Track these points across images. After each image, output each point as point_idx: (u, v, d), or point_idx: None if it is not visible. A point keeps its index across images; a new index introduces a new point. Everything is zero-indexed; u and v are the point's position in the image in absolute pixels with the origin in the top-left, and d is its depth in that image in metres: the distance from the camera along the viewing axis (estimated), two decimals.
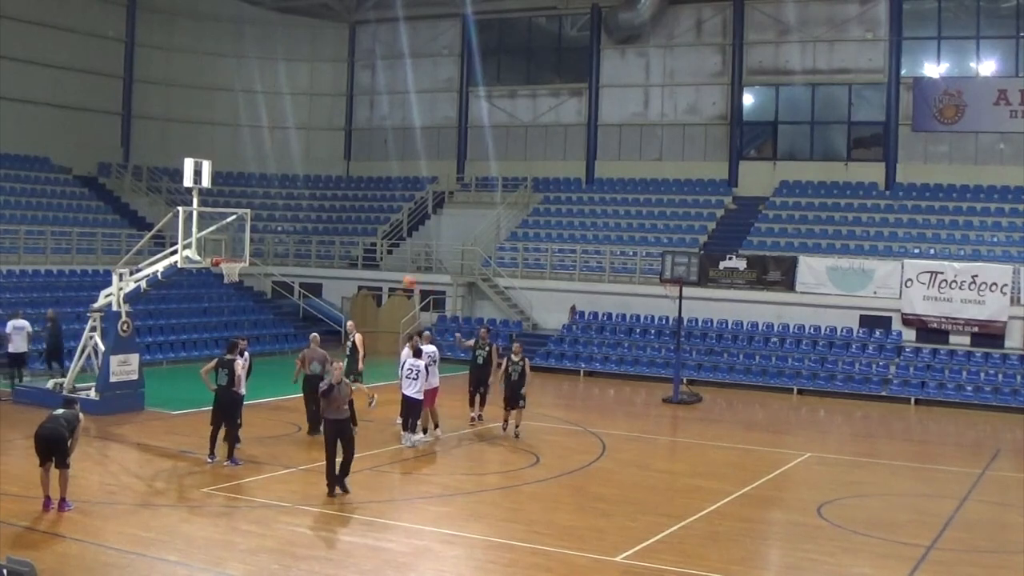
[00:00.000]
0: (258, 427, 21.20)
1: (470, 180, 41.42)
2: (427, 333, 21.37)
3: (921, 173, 35.17)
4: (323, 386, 15.66)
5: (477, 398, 22.23)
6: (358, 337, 21.82)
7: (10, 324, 24.37)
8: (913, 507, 16.73)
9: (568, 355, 32.51)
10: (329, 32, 44.41)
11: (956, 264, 30.00)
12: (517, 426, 20.75)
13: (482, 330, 23.26)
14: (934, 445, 23.96)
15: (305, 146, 44.17)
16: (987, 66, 35.01)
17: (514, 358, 20.73)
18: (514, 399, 20.67)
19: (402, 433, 19.57)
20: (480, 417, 22.16)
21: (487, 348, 22.06)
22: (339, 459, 15.55)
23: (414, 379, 19.15)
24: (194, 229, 21.28)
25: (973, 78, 34.84)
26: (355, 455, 15.79)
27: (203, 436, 18.29)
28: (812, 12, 36.53)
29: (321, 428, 19.22)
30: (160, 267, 22.03)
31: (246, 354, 18.17)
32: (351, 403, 15.98)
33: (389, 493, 16.20)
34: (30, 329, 24.58)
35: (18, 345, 24.24)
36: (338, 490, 15.49)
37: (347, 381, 15.87)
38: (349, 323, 23.67)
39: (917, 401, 28.22)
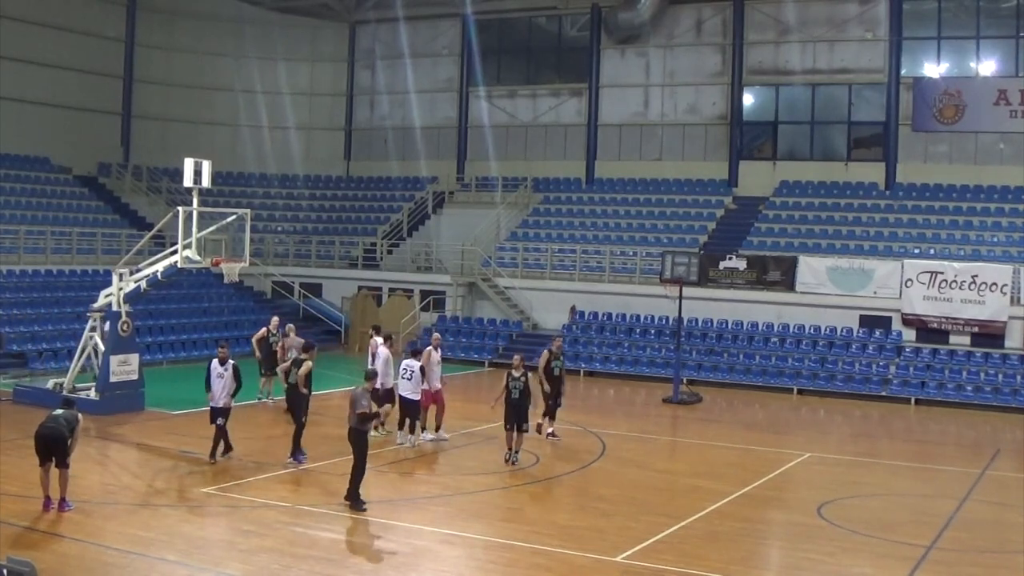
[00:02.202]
0: (258, 427, 21.25)
1: (470, 180, 41.41)
2: (437, 335, 21.27)
3: (921, 173, 35.16)
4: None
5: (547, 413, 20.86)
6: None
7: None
8: (913, 507, 16.73)
9: (568, 355, 32.29)
10: (329, 32, 44.41)
11: (956, 264, 29.99)
12: (516, 452, 18.44)
13: (557, 340, 22.04)
14: (934, 445, 23.96)
15: (305, 146, 44.16)
16: (987, 66, 34.99)
17: (515, 374, 18.51)
18: (518, 421, 18.35)
19: (397, 432, 19.59)
20: (553, 433, 20.67)
21: (561, 359, 20.97)
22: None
23: (408, 379, 19.17)
24: (194, 229, 21.29)
25: (973, 78, 34.82)
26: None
27: (203, 436, 18.33)
28: (812, 12, 36.51)
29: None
30: (160, 267, 22.04)
31: (229, 363, 17.82)
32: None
33: (389, 493, 16.19)
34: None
35: None
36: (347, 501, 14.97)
37: (363, 387, 15.39)
38: (275, 319, 24.73)
39: (917, 401, 28.21)
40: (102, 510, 14.43)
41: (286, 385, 18.58)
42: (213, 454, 17.65)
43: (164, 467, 17.33)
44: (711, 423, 24.70)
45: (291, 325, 23.80)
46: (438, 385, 20.09)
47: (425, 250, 38.81)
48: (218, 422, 17.59)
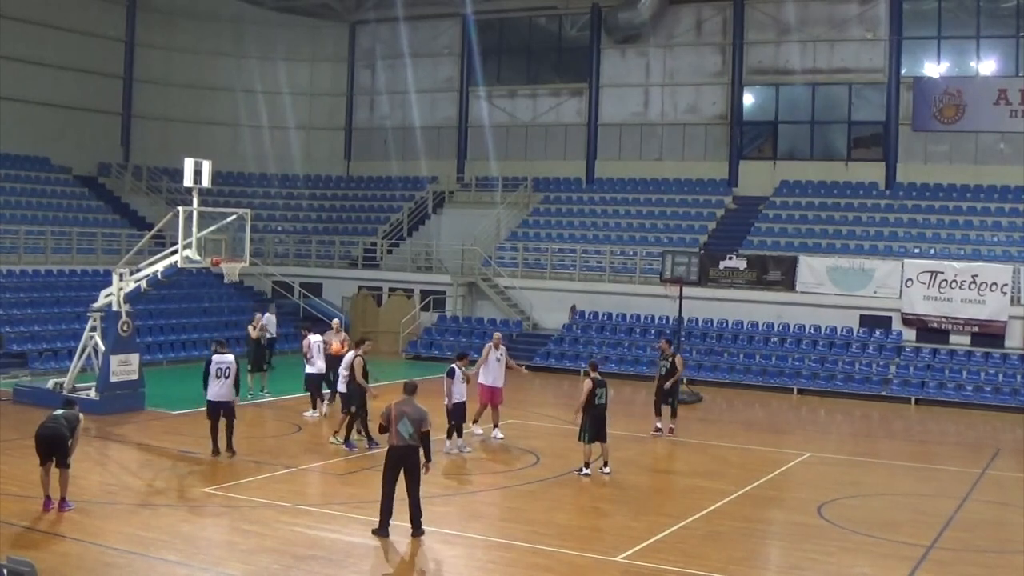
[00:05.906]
0: (258, 427, 21.25)
1: (470, 180, 41.42)
2: (498, 334, 21.49)
3: (921, 173, 35.16)
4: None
5: (664, 409, 21.76)
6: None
7: (265, 316, 27.22)
8: (913, 507, 16.71)
9: (568, 355, 32.48)
10: (329, 32, 44.41)
11: (956, 264, 29.99)
12: (606, 464, 17.63)
13: (663, 341, 22.92)
14: (934, 445, 23.95)
15: (305, 146, 44.17)
16: (987, 66, 35.00)
17: (597, 376, 17.66)
18: (600, 429, 17.42)
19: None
20: (670, 431, 21.62)
21: (670, 359, 21.63)
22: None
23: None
24: (194, 229, 21.28)
25: (973, 78, 34.83)
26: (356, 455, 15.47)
27: (202, 436, 18.31)
28: (812, 12, 36.53)
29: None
30: (160, 267, 22.02)
31: (231, 355, 18.21)
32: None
33: None
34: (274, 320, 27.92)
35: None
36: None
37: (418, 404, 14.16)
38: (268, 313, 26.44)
39: (917, 401, 28.21)
40: (102, 510, 14.42)
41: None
42: (219, 448, 17.86)
43: (164, 467, 17.31)
44: (711, 423, 24.68)
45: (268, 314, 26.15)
46: (499, 384, 20.53)
47: (425, 250, 38.82)
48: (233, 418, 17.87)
